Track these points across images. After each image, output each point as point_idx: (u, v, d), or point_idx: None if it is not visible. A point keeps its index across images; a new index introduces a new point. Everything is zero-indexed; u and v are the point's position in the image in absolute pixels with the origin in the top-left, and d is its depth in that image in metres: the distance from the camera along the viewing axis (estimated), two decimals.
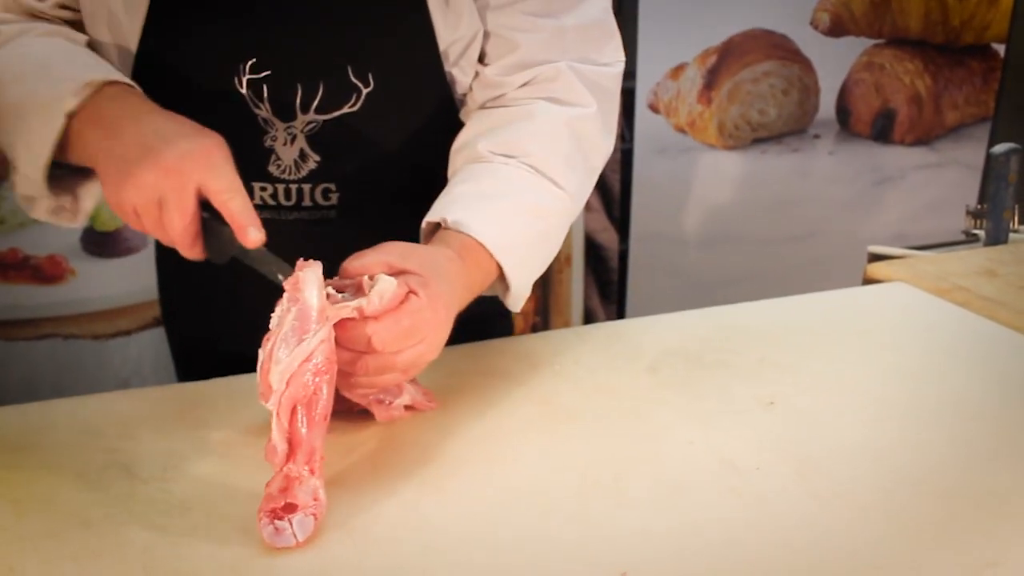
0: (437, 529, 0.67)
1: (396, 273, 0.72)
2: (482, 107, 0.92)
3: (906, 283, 1.14)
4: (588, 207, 2.37)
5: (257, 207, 0.91)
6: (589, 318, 2.48)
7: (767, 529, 0.67)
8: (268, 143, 0.89)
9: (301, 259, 0.71)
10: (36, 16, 0.88)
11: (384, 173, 0.93)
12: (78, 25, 0.88)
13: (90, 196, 0.84)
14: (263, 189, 0.91)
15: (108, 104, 0.76)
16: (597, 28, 0.91)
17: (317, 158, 0.90)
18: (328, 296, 0.69)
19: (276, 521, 0.64)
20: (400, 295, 0.70)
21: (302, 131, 0.88)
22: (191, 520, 0.68)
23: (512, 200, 0.84)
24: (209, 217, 0.74)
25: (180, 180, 0.71)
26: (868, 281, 1.21)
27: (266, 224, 0.91)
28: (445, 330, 0.74)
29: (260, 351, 0.67)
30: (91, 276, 2.03)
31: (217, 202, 0.72)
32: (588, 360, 0.93)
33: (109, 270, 2.03)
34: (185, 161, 0.71)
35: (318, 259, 0.83)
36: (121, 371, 2.13)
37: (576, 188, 0.90)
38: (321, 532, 0.66)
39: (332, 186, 0.91)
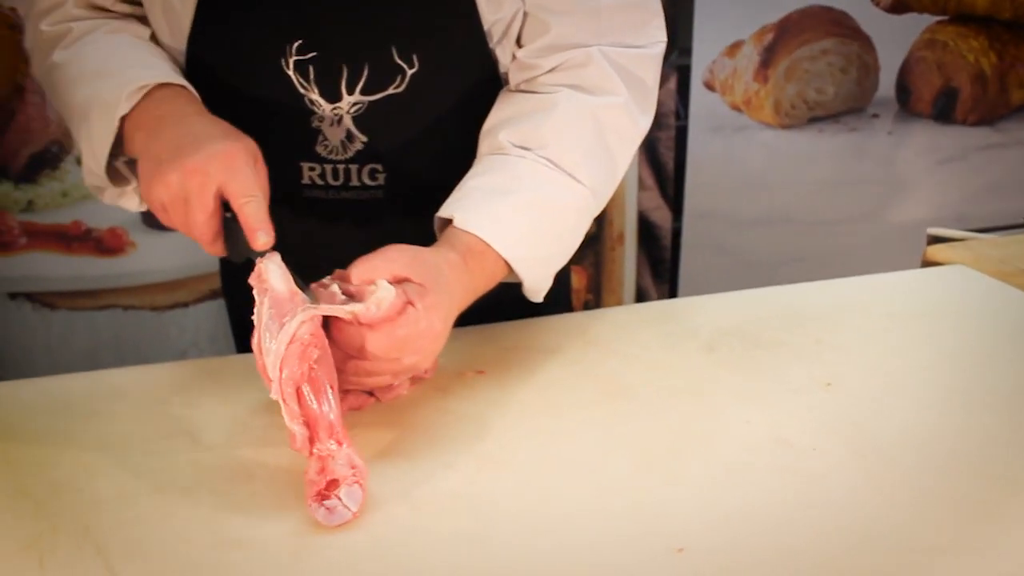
0: (494, 502, 0.68)
1: (399, 281, 0.73)
2: (513, 90, 0.92)
3: (967, 266, 1.12)
4: (642, 185, 2.36)
5: (305, 187, 0.93)
6: (641, 297, 2.47)
7: (823, 508, 0.67)
8: (315, 124, 0.90)
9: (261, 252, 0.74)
10: (103, 9, 0.90)
11: (431, 153, 0.94)
12: (144, 17, 0.91)
13: None
14: (311, 169, 0.92)
15: (156, 107, 0.81)
16: (634, 9, 0.89)
17: (364, 139, 0.91)
18: (330, 291, 0.72)
19: (325, 502, 0.65)
20: (398, 304, 0.71)
21: (348, 112, 0.89)
22: (254, 487, 0.70)
23: (523, 196, 0.83)
24: (231, 217, 0.76)
25: (202, 180, 0.74)
26: (927, 263, 1.19)
27: (314, 204, 0.94)
28: (441, 340, 0.75)
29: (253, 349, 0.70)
30: (151, 249, 2.07)
31: (235, 205, 0.75)
32: (643, 338, 0.93)
33: (168, 243, 2.07)
34: (209, 163, 0.74)
35: (365, 239, 0.84)
36: (178, 342, 2.18)
37: (597, 182, 0.88)
38: (381, 502, 0.68)
39: (379, 166, 0.92)
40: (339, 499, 0.65)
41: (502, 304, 0.87)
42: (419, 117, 0.91)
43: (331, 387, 0.70)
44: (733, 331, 0.94)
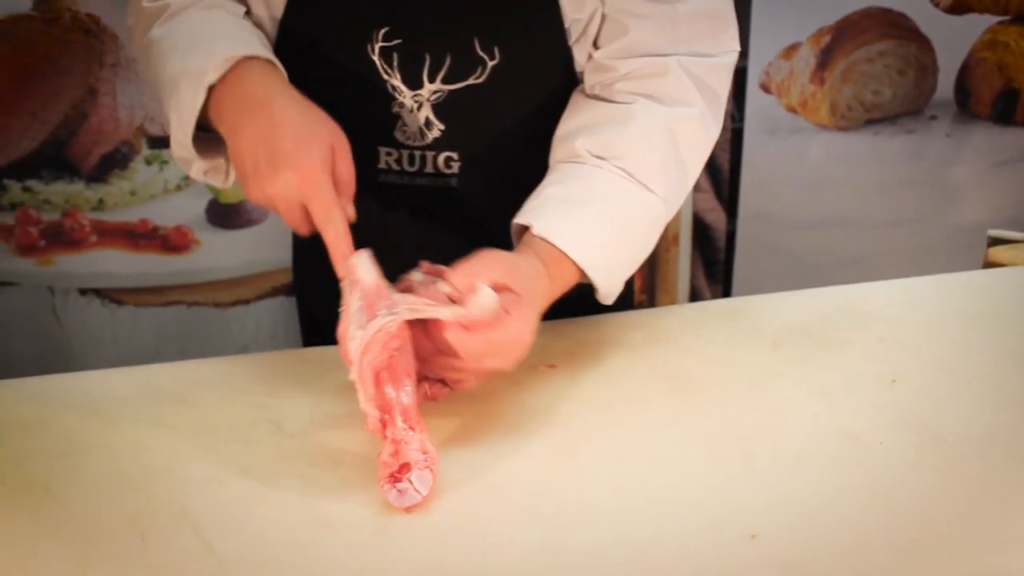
0: (567, 488, 0.71)
1: (497, 288, 0.75)
2: (588, 93, 0.93)
3: None
4: (697, 187, 2.36)
5: (381, 171, 0.96)
6: (695, 297, 2.48)
7: (890, 501, 0.68)
8: (395, 109, 0.93)
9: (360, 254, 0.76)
10: None
11: (505, 145, 0.96)
12: None
13: None
14: (388, 154, 0.95)
15: (243, 81, 0.81)
16: (711, 18, 0.91)
17: (441, 127, 0.93)
18: (433, 288, 0.75)
19: (397, 484, 0.68)
20: (496, 311, 0.73)
21: (428, 100, 0.92)
22: (339, 472, 0.73)
23: (600, 207, 0.86)
24: None
25: (286, 204, 0.78)
26: (988, 265, 1.19)
27: (389, 189, 0.97)
28: (527, 348, 0.77)
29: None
30: (214, 247, 2.12)
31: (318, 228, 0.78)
32: (709, 335, 0.95)
33: (231, 241, 2.12)
34: (288, 186, 0.77)
35: (437, 225, 0.90)
36: (240, 338, 2.23)
37: (670, 192, 0.90)
38: (459, 485, 0.70)
39: (455, 155, 0.95)
40: (410, 482, 0.68)
41: (569, 300, 0.89)
42: (496, 108, 0.94)
43: (408, 377, 0.73)
44: (797, 328, 0.95)
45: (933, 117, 2.40)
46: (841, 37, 2.28)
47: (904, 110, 2.38)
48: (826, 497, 0.68)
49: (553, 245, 0.83)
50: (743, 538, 0.64)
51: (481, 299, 0.73)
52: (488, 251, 0.78)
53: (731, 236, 2.41)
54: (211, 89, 0.81)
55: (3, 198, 1.89)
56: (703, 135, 0.92)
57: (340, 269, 0.76)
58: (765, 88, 2.28)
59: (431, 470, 0.69)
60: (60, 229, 1.96)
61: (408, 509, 0.68)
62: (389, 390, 0.72)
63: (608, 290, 0.88)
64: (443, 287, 0.75)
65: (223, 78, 0.81)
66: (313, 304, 1.17)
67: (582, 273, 0.85)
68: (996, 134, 2.45)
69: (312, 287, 1.17)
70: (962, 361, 0.88)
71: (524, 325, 0.75)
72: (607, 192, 0.87)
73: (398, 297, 0.73)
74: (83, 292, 2.07)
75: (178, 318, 2.16)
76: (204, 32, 0.87)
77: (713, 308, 1.03)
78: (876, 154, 2.39)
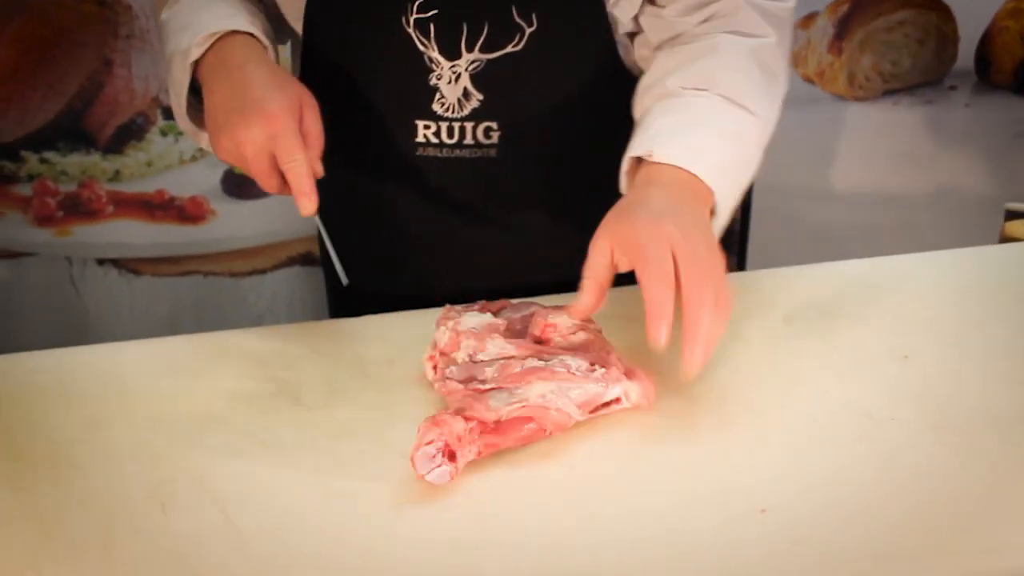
0: (576, 465, 0.71)
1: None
2: (659, 48, 0.93)
3: None
4: None
5: (419, 144, 0.95)
6: None
7: (900, 477, 0.69)
8: (433, 81, 0.93)
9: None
10: None
11: (545, 113, 0.96)
12: None
13: None
14: (427, 127, 0.95)
15: (221, 54, 0.85)
16: None
17: (480, 97, 0.93)
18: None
19: (441, 456, 0.67)
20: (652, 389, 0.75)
21: (466, 70, 0.92)
22: (358, 445, 0.74)
23: (713, 128, 0.84)
24: None
25: (253, 148, 0.80)
26: (1005, 239, 1.19)
27: (428, 160, 0.96)
28: (706, 244, 0.75)
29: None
30: (230, 217, 2.13)
31: (282, 169, 0.81)
32: None
33: (247, 211, 2.13)
34: (251, 130, 0.80)
35: (478, 196, 0.91)
36: (256, 307, 2.24)
37: (767, 113, 0.89)
38: (480, 464, 0.71)
39: (494, 124, 0.95)
40: (440, 464, 0.67)
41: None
42: (535, 76, 0.93)
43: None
44: (810, 303, 0.95)
45: (952, 87, 2.38)
46: (860, 6, 2.25)
47: (923, 80, 2.36)
48: (836, 473, 0.69)
49: (678, 168, 0.80)
50: (752, 512, 0.64)
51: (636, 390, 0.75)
52: (603, 229, 0.76)
53: (746, 207, 2.40)
54: (197, 64, 0.86)
55: (21, 170, 1.90)
56: (783, 62, 0.92)
57: (303, 207, 0.80)
58: None
59: (451, 478, 0.67)
60: (77, 200, 1.97)
61: (420, 475, 0.67)
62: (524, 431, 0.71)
63: (724, 213, 0.85)
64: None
65: (206, 53, 0.85)
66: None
67: (710, 194, 0.81)
68: (1017, 105, 2.42)
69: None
70: (976, 336, 0.88)
71: (689, 240, 0.73)
72: (715, 116, 0.85)
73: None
74: (100, 262, 2.09)
75: (194, 288, 2.18)
76: (199, 13, 0.90)
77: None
78: (894, 125, 2.37)
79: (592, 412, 0.74)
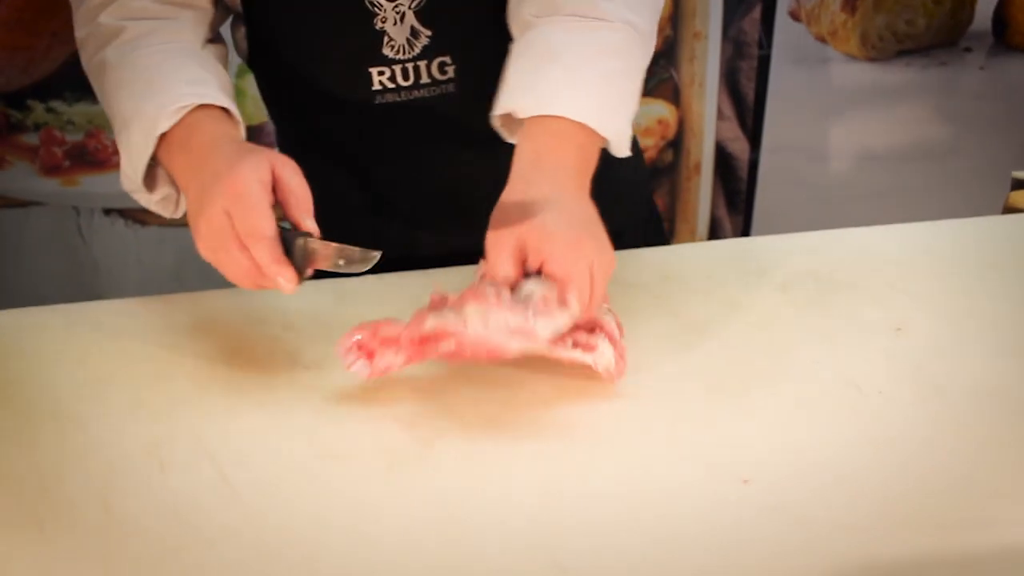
0: (565, 428, 0.73)
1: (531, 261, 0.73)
2: None
3: None
4: (720, 115, 2.34)
5: (377, 92, 0.94)
6: (715, 227, 2.48)
7: (885, 450, 0.70)
8: (379, 25, 0.91)
9: (570, 296, 0.72)
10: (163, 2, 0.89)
11: (496, 37, 0.93)
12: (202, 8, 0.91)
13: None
14: (380, 73, 0.94)
15: (191, 134, 0.80)
16: None
17: (428, 32, 0.92)
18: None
19: (356, 348, 0.74)
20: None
21: (410, 8, 0.91)
22: (350, 406, 0.76)
23: (568, 57, 0.82)
24: (288, 230, 0.76)
25: (223, 225, 0.73)
26: (1009, 209, 1.18)
27: (389, 107, 0.95)
28: (603, 244, 0.75)
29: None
30: None
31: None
32: (719, 275, 0.95)
33: None
34: (220, 211, 0.73)
35: (442, 135, 0.88)
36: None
37: (631, 12, 0.85)
38: (463, 422, 0.73)
39: (447, 58, 0.94)
40: (354, 360, 0.74)
41: None
42: (480, 1, 0.92)
43: (450, 358, 0.74)
44: (807, 271, 0.96)
45: (968, 49, 2.35)
46: None
47: (938, 41, 2.33)
48: (821, 444, 0.70)
49: (543, 116, 0.79)
50: (735, 482, 0.66)
51: (559, 321, 0.72)
52: (493, 230, 0.75)
53: (754, 166, 2.40)
54: (161, 136, 0.80)
55: (27, 119, 1.91)
56: None
57: (282, 286, 0.74)
58: (794, 16, 2.23)
59: (369, 375, 0.74)
60: (84, 150, 1.97)
61: (340, 358, 0.74)
62: (441, 348, 0.73)
63: (616, 137, 0.83)
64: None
65: (174, 127, 0.80)
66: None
67: (589, 131, 0.80)
68: None
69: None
70: (971, 310, 0.89)
71: (599, 249, 0.74)
72: (570, 40, 0.83)
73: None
74: (107, 212, 2.10)
75: None
76: (161, 72, 0.84)
77: (725, 248, 1.03)
78: (906, 86, 2.35)
79: (557, 355, 0.74)
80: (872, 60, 2.31)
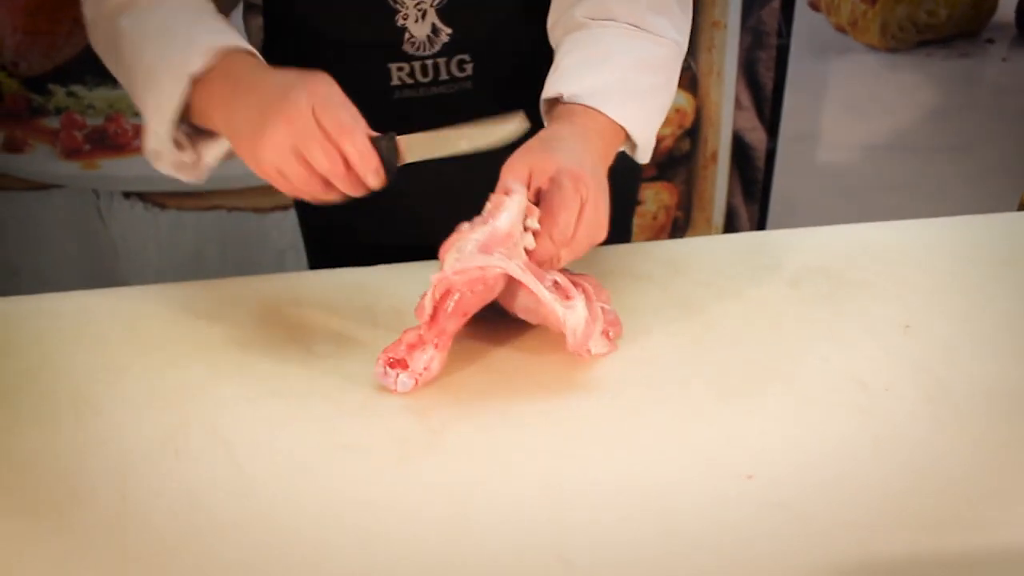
0: (577, 420, 0.74)
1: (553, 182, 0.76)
2: None
3: None
4: (738, 104, 2.33)
5: (395, 88, 0.96)
6: (731, 216, 2.47)
7: (889, 449, 0.70)
8: (400, 22, 0.93)
9: (510, 177, 0.76)
10: None
11: (515, 37, 0.96)
12: None
13: (211, 153, 0.86)
14: (400, 69, 0.95)
15: (228, 72, 0.78)
16: None
17: (449, 31, 0.94)
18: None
19: (387, 367, 0.76)
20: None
21: (432, 6, 0.92)
22: (362, 396, 0.77)
23: (620, 61, 0.86)
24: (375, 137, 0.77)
25: (305, 124, 0.73)
26: None
27: (405, 102, 0.97)
28: (605, 211, 0.79)
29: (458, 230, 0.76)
30: None
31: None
32: (730, 270, 0.96)
33: None
34: (302, 105, 0.73)
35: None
36: (279, 243, 2.27)
37: (677, 32, 0.91)
38: (473, 412, 0.74)
39: (466, 56, 0.95)
40: (395, 376, 0.76)
41: None
42: (501, 1, 0.94)
43: (465, 315, 0.76)
44: (818, 268, 0.96)
45: (990, 40, 2.33)
46: None
47: (959, 32, 2.31)
48: (825, 441, 0.70)
49: (588, 107, 0.84)
50: (739, 478, 0.66)
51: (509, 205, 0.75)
52: (525, 147, 0.79)
53: (771, 156, 2.39)
54: (192, 81, 0.78)
55: (49, 103, 1.93)
56: None
57: (371, 180, 0.76)
58: (814, 6, 2.22)
59: (417, 383, 0.76)
60: (104, 133, 1.99)
61: (384, 387, 0.76)
62: (447, 309, 0.76)
63: (644, 144, 0.89)
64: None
65: (206, 70, 0.78)
66: (317, 218, 1.16)
67: (622, 131, 0.86)
68: None
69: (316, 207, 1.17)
70: (981, 309, 0.89)
71: (595, 202, 0.77)
72: (624, 45, 0.87)
73: (518, 253, 0.75)
74: (127, 195, 2.12)
75: (218, 223, 2.21)
76: (180, 23, 0.83)
77: (738, 242, 1.03)
78: (926, 78, 2.34)
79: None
80: (892, 51, 2.30)
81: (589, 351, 0.79)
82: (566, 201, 0.75)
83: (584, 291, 0.79)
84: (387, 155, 0.77)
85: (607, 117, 0.84)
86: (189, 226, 2.19)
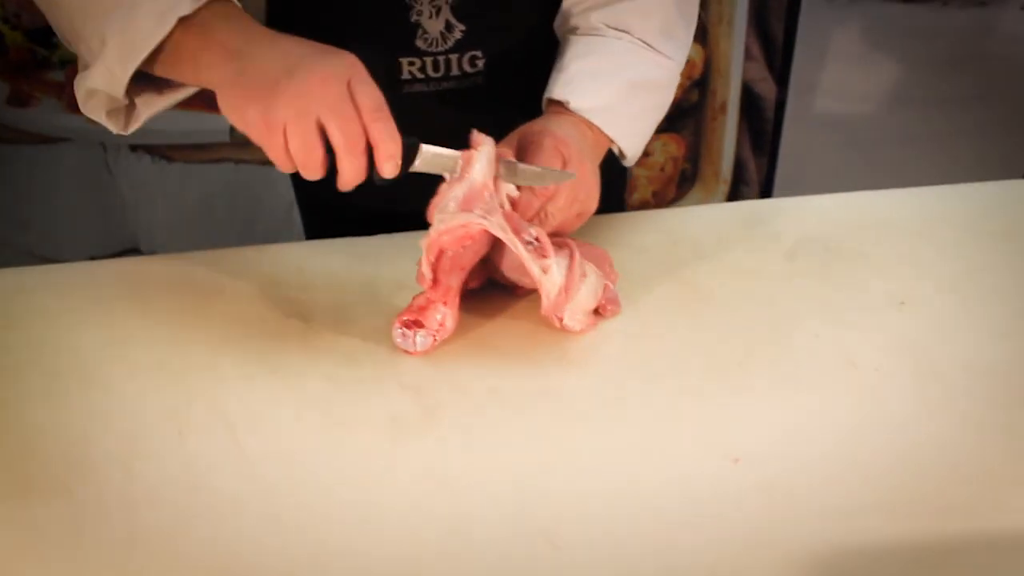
0: (568, 396, 0.76)
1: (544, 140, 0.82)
2: None
3: None
4: (748, 55, 2.30)
5: (405, 82, 0.96)
6: (740, 169, 2.46)
7: (877, 430, 0.71)
8: (414, 18, 0.93)
9: (475, 132, 0.78)
10: None
11: (527, 35, 0.97)
12: None
13: (148, 108, 0.81)
14: (411, 63, 0.96)
15: (222, 23, 0.72)
16: None
17: (462, 27, 0.94)
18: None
19: (405, 329, 0.80)
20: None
21: (447, 2, 0.92)
22: (360, 372, 0.78)
23: (627, 76, 0.91)
24: None
25: (339, 90, 0.70)
26: None
27: (415, 97, 0.98)
28: (597, 189, 0.85)
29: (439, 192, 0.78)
30: None
31: (367, 119, 0.72)
32: (728, 239, 0.96)
33: None
34: (335, 79, 0.70)
35: (466, 125, 0.85)
36: (287, 196, 2.26)
37: (681, 54, 0.95)
38: (469, 392, 0.75)
39: (478, 53, 0.96)
40: (413, 337, 0.79)
41: None
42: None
43: (463, 269, 0.80)
44: (817, 238, 0.97)
45: None
46: None
47: None
48: (813, 423, 0.71)
49: (587, 120, 0.88)
50: (725, 460, 0.68)
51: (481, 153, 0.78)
52: (530, 127, 0.84)
53: (780, 107, 2.36)
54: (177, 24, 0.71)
55: (53, 55, 1.92)
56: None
57: (387, 169, 0.73)
58: None
59: (435, 339, 0.80)
60: None
61: (405, 349, 0.80)
62: (445, 268, 0.79)
63: (634, 156, 0.95)
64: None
65: (195, 15, 0.71)
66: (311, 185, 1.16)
67: (613, 144, 0.92)
68: None
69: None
70: (979, 284, 0.89)
71: (584, 169, 0.83)
72: (631, 62, 0.91)
73: (495, 207, 0.77)
74: (134, 148, 2.12)
75: (226, 175, 2.21)
76: None
77: (737, 210, 1.03)
78: (942, 27, 2.30)
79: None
80: (908, 0, 2.26)
81: (561, 320, 0.81)
82: (545, 154, 0.81)
83: (571, 255, 0.80)
84: (406, 154, 0.75)
85: (606, 136, 0.90)
86: (197, 179, 2.19)
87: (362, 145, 0.71)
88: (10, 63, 1.94)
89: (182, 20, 0.71)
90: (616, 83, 0.90)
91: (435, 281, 0.79)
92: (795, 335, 0.82)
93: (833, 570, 0.60)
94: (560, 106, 0.89)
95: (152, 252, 2.26)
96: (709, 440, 0.70)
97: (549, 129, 0.84)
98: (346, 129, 0.70)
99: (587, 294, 0.81)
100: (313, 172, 0.73)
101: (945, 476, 0.67)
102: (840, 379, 0.76)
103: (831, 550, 0.61)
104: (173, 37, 0.72)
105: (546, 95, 0.90)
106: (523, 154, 0.82)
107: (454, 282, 0.79)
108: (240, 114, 0.71)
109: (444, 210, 0.77)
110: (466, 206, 0.76)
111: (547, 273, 0.78)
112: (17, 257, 2.16)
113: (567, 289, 0.79)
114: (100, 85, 0.76)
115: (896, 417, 0.72)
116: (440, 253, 0.78)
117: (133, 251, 2.27)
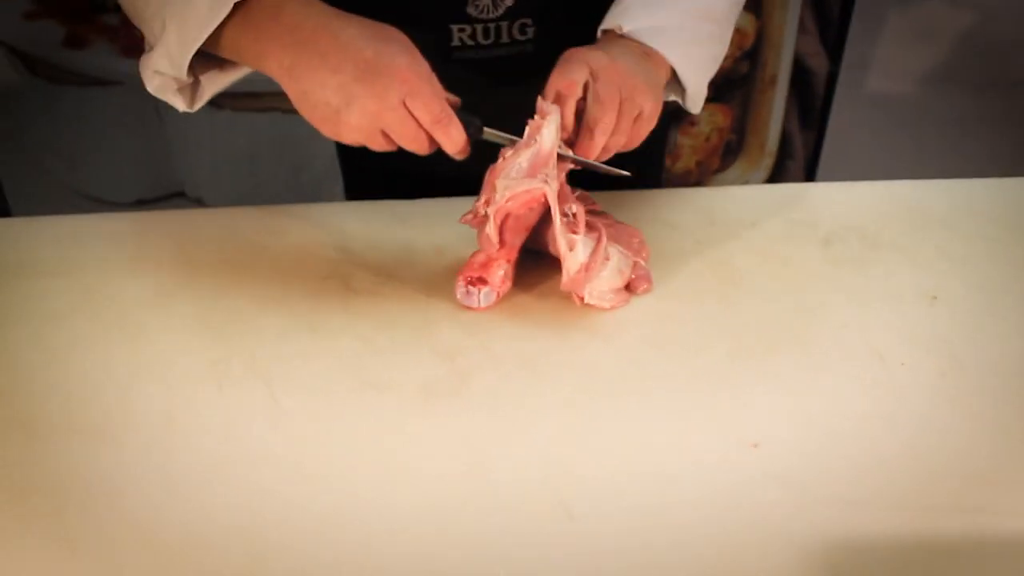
0: (593, 369, 0.77)
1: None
2: None
3: None
4: (802, 28, 2.27)
5: (455, 48, 0.97)
6: (786, 142, 2.44)
7: (897, 427, 0.72)
8: None
9: (541, 100, 0.80)
10: None
11: (577, 2, 0.96)
12: None
13: (212, 85, 0.84)
14: (461, 30, 0.96)
15: (273, 9, 0.74)
16: None
17: None
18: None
19: (469, 286, 0.83)
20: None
21: None
22: (395, 336, 0.81)
23: (683, 4, 0.88)
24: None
25: (398, 115, 0.75)
26: None
27: (465, 63, 0.98)
28: (655, 102, 0.82)
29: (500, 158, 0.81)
30: None
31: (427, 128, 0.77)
32: (765, 223, 0.97)
33: None
34: (392, 96, 0.74)
35: (515, 92, 0.87)
36: (331, 146, 2.29)
37: None
38: (498, 362, 0.77)
39: (528, 20, 0.96)
40: (478, 293, 0.83)
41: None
42: None
43: (525, 230, 0.83)
44: (853, 227, 0.97)
45: None
46: None
47: None
48: (834, 414, 0.72)
49: (645, 45, 0.86)
50: (743, 446, 0.69)
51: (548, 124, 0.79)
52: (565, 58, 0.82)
53: (831, 82, 2.34)
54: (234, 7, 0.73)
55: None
56: None
57: (456, 157, 0.79)
58: None
59: (498, 295, 0.84)
60: None
61: (468, 305, 0.84)
62: (510, 231, 0.82)
63: (695, 92, 0.91)
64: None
65: (247, 3, 0.73)
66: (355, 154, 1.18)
67: (672, 74, 0.88)
68: None
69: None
70: (1009, 280, 0.89)
71: (618, 65, 0.81)
72: None
73: (555, 174, 0.79)
74: None
75: (273, 124, 2.24)
76: None
77: (776, 193, 1.04)
78: (1007, 7, 2.24)
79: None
80: None
81: (581, 297, 0.83)
82: (609, 114, 0.79)
83: (598, 239, 0.82)
84: (470, 136, 0.80)
85: (662, 56, 0.86)
86: (244, 127, 2.22)
87: (427, 144, 0.78)
88: (66, 5, 1.97)
89: (238, 6, 0.73)
90: (670, 8, 0.87)
91: (502, 243, 0.82)
92: (823, 324, 0.83)
93: (840, 559, 0.61)
94: (611, 34, 0.87)
95: (197, 197, 2.30)
96: (729, 423, 0.72)
97: (580, 51, 0.81)
98: (410, 140, 0.77)
99: (608, 276, 0.82)
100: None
101: (964, 475, 0.68)
102: (866, 371, 0.77)
103: (841, 539, 0.63)
104: (231, 20, 0.74)
105: (600, 28, 0.88)
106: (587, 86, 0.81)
107: (518, 241, 0.83)
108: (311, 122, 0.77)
109: (508, 175, 0.79)
110: (531, 172, 0.78)
111: (572, 250, 0.79)
112: (66, 196, 2.21)
113: (588, 268, 0.80)
114: (163, 68, 0.79)
115: (919, 413, 0.73)
116: (507, 217, 0.81)
117: (179, 195, 2.31)
